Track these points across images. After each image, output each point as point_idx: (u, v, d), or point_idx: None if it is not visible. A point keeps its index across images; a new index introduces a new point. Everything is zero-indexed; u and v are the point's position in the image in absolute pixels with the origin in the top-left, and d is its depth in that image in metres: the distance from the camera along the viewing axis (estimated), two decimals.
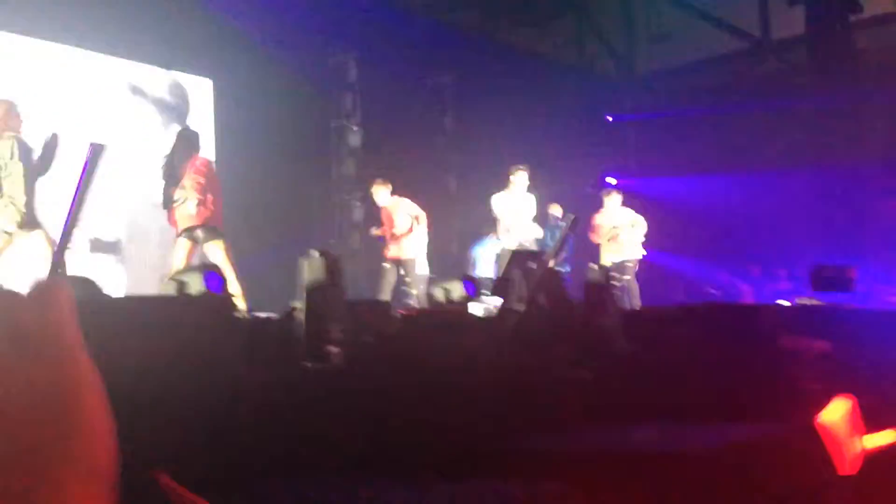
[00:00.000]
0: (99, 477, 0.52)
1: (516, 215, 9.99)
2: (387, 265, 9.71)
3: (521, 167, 10.32)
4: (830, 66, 12.08)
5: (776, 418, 3.94)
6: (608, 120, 14.02)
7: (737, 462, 3.42)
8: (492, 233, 10.58)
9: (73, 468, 0.51)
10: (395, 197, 9.85)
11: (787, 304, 7.84)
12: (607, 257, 10.56)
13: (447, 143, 13.33)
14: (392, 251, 9.69)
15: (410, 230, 9.59)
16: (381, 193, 9.88)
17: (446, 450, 3.18)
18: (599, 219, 10.72)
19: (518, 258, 4.94)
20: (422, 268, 9.73)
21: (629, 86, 14.25)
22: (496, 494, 2.69)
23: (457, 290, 5.88)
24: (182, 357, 3.36)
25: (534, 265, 4.78)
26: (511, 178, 10.20)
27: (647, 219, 10.71)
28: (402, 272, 9.46)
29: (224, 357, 3.47)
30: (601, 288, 5.14)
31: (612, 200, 10.76)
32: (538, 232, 10.27)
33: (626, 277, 10.45)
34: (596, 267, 5.12)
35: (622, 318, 5.20)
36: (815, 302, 6.86)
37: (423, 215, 9.71)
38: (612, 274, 10.53)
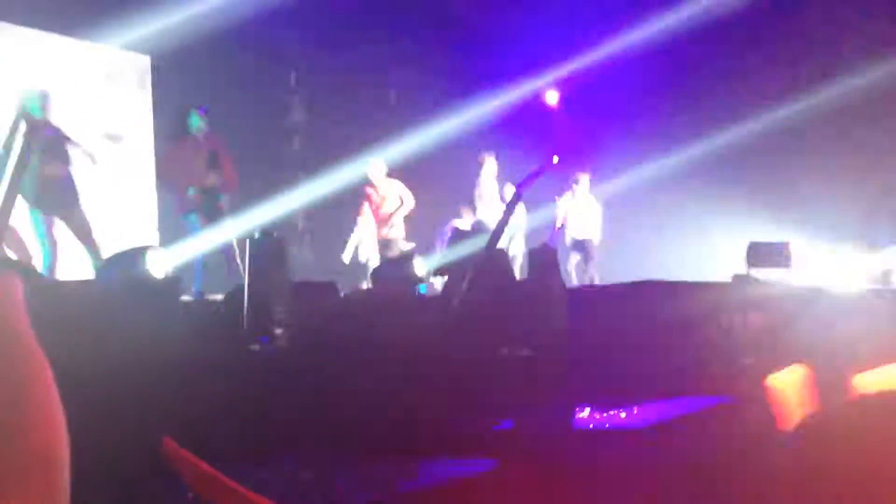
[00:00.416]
0: (49, 470, 0.52)
1: (485, 200, 10.40)
2: (377, 244, 9.88)
3: (488, 153, 10.70)
4: (761, 43, 12.30)
5: (716, 391, 4.05)
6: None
7: (679, 436, 3.51)
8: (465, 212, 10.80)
9: (22, 461, 0.50)
10: (388, 178, 9.96)
11: (726, 280, 8.01)
12: (570, 237, 10.81)
13: (391, 120, 13.26)
14: (382, 231, 9.83)
15: (396, 210, 9.75)
16: (378, 172, 9.98)
17: (390, 429, 3.20)
18: (569, 200, 10.90)
19: (462, 238, 4.96)
20: (405, 245, 9.90)
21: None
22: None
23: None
24: (124, 341, 3.31)
25: (478, 245, 4.81)
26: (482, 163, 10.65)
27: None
28: (389, 250, 9.58)
29: (168, 340, 3.44)
30: (546, 266, 5.19)
31: (584, 182, 10.95)
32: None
33: (590, 258, 10.75)
34: (541, 246, 5.17)
35: (566, 296, 5.27)
36: (752, 277, 7.03)
37: (410, 197, 9.84)
38: (575, 253, 10.78)
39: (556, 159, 5.43)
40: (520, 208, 10.57)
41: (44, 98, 7.03)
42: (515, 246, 10.93)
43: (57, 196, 6.97)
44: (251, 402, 3.25)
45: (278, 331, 3.75)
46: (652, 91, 12.89)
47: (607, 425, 3.45)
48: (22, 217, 6.70)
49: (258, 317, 3.78)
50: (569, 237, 10.91)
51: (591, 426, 3.29)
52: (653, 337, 4.41)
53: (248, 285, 3.94)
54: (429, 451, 3.04)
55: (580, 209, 11.01)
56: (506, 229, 7.93)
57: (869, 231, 10.86)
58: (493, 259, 4.84)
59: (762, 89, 12.31)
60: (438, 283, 4.99)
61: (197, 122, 8.12)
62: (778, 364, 4.04)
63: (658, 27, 13.05)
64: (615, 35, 12.99)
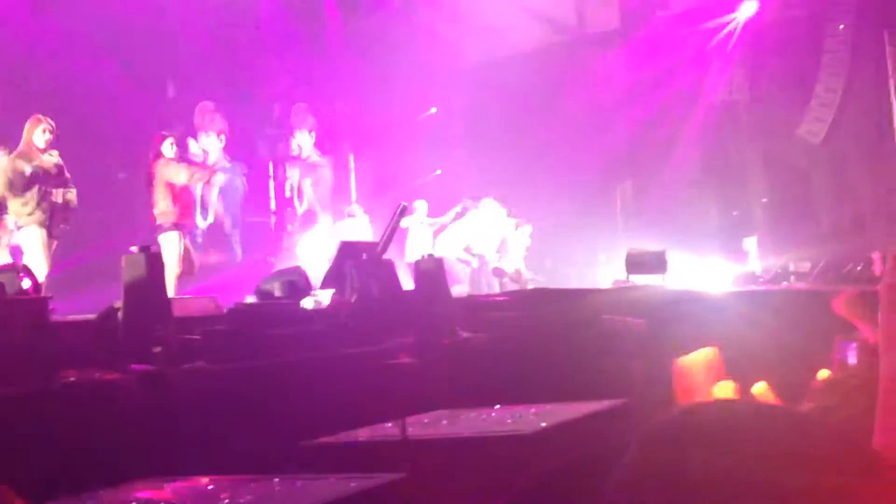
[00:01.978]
0: None
1: None
2: None
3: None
4: (642, 60, 12.81)
5: (602, 393, 4.14)
6: (433, 112, 14.18)
7: (567, 440, 3.57)
8: None
9: None
10: None
11: (607, 286, 8.25)
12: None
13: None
14: None
15: None
16: None
17: (278, 444, 3.12)
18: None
19: (349, 250, 4.92)
20: None
21: (457, 78, 14.44)
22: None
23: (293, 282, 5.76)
24: None
25: (365, 256, 4.77)
26: None
27: None
28: None
29: (38, 362, 3.24)
30: (434, 276, 5.21)
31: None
32: None
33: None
34: (427, 256, 5.18)
35: (455, 305, 5.29)
36: (631, 283, 7.28)
37: None
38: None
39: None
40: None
41: None
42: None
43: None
44: (129, 424, 3.10)
45: (157, 349, 3.60)
46: (529, 110, 13.20)
47: (497, 431, 3.47)
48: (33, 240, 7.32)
49: (135, 336, 3.62)
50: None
51: (479, 433, 3.30)
52: (540, 342, 4.48)
53: (124, 303, 3.77)
54: (320, 468, 2.97)
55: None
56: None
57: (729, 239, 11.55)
58: (381, 270, 4.82)
59: (635, 117, 12.86)
60: (325, 295, 4.92)
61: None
62: (659, 364, 4.18)
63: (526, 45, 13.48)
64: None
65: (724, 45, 12.69)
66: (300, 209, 11.96)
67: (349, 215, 11.46)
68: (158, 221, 8.46)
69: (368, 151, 13.20)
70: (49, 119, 7.58)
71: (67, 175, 7.67)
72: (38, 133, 7.44)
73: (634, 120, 12.89)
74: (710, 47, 12.73)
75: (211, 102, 11.22)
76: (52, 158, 7.51)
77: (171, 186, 8.45)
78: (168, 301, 3.91)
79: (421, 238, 11.41)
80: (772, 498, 0.70)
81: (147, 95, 10.29)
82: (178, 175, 8.47)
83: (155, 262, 3.93)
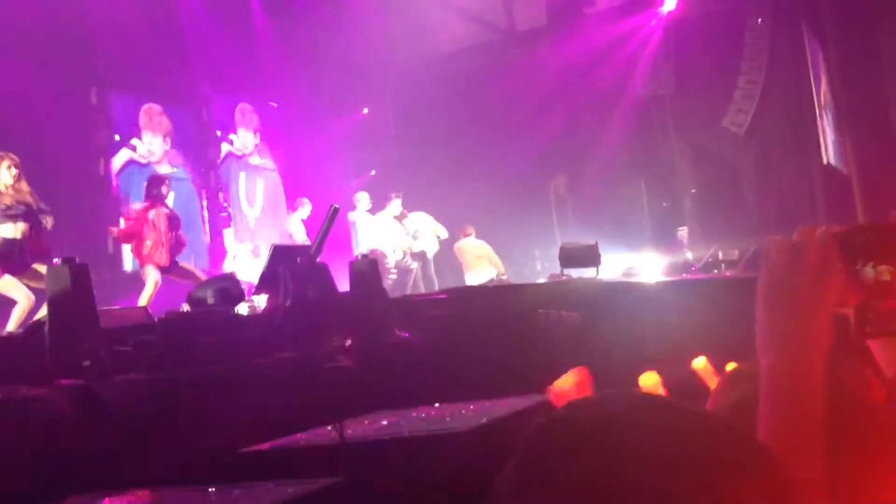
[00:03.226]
0: None
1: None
2: None
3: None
4: (570, 56, 12.99)
5: (539, 389, 4.19)
6: (365, 112, 14.13)
7: (506, 436, 3.60)
8: None
9: None
10: None
11: (542, 281, 8.34)
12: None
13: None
14: None
15: None
16: None
17: (218, 453, 3.08)
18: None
19: (281, 254, 4.87)
20: None
21: (389, 76, 14.39)
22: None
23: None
24: None
25: (298, 260, 4.74)
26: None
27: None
28: None
29: None
30: (368, 277, 5.19)
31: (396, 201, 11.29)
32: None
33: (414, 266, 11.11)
34: (362, 256, 5.16)
35: (392, 305, 5.29)
36: (566, 277, 7.38)
37: None
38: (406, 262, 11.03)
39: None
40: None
41: None
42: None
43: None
44: (59, 440, 3.02)
45: (86, 363, 3.51)
46: (461, 108, 13.24)
47: (436, 430, 3.48)
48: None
49: (62, 350, 3.52)
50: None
51: (418, 432, 3.30)
52: (477, 339, 4.51)
53: (50, 316, 3.67)
54: (261, 475, 2.94)
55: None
56: None
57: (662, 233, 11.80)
58: (315, 273, 4.78)
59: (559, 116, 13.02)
60: (261, 300, 4.86)
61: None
62: (592, 356, 4.23)
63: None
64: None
65: (648, 40, 12.93)
66: (252, 212, 11.87)
67: (300, 206, 11.31)
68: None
69: (300, 153, 13.08)
70: (11, 154, 6.98)
71: (43, 206, 7.06)
72: (2, 171, 6.82)
73: (564, 116, 13.04)
74: (634, 43, 12.96)
75: (157, 105, 11.09)
76: (19, 195, 6.86)
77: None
78: (96, 313, 3.81)
79: (367, 229, 11.27)
80: (660, 500, 0.68)
81: (70, 103, 9.98)
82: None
83: (80, 273, 3.82)
